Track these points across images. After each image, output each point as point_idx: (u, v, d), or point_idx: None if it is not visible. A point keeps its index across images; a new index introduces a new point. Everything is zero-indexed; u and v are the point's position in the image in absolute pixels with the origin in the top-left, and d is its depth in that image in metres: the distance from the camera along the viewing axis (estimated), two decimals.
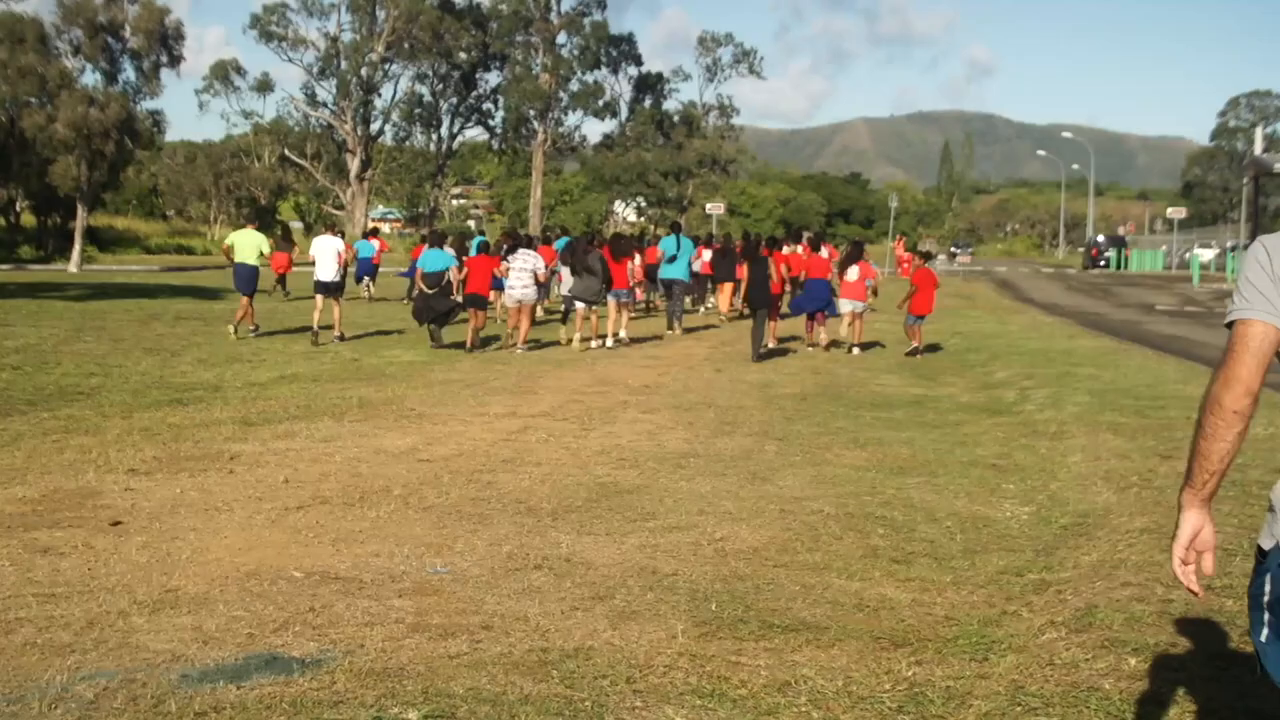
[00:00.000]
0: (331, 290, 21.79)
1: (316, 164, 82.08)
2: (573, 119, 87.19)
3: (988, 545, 7.83)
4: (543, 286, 22.48)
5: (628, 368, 18.31)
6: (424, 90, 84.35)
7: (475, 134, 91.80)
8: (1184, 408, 13.57)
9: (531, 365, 18.35)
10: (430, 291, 21.12)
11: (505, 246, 23.26)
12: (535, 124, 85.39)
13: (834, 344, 22.59)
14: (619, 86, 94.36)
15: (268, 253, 22.71)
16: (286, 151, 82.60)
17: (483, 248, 22.70)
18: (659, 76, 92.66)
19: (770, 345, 21.26)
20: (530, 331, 21.66)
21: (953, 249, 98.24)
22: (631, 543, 7.69)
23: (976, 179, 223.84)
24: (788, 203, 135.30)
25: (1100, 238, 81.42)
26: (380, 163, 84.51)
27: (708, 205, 68.27)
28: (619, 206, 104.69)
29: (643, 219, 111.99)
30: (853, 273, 22.12)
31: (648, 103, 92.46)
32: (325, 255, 21.97)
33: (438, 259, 21.48)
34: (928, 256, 23.40)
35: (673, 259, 26.88)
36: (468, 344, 20.68)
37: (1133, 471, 9.91)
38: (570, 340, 21.69)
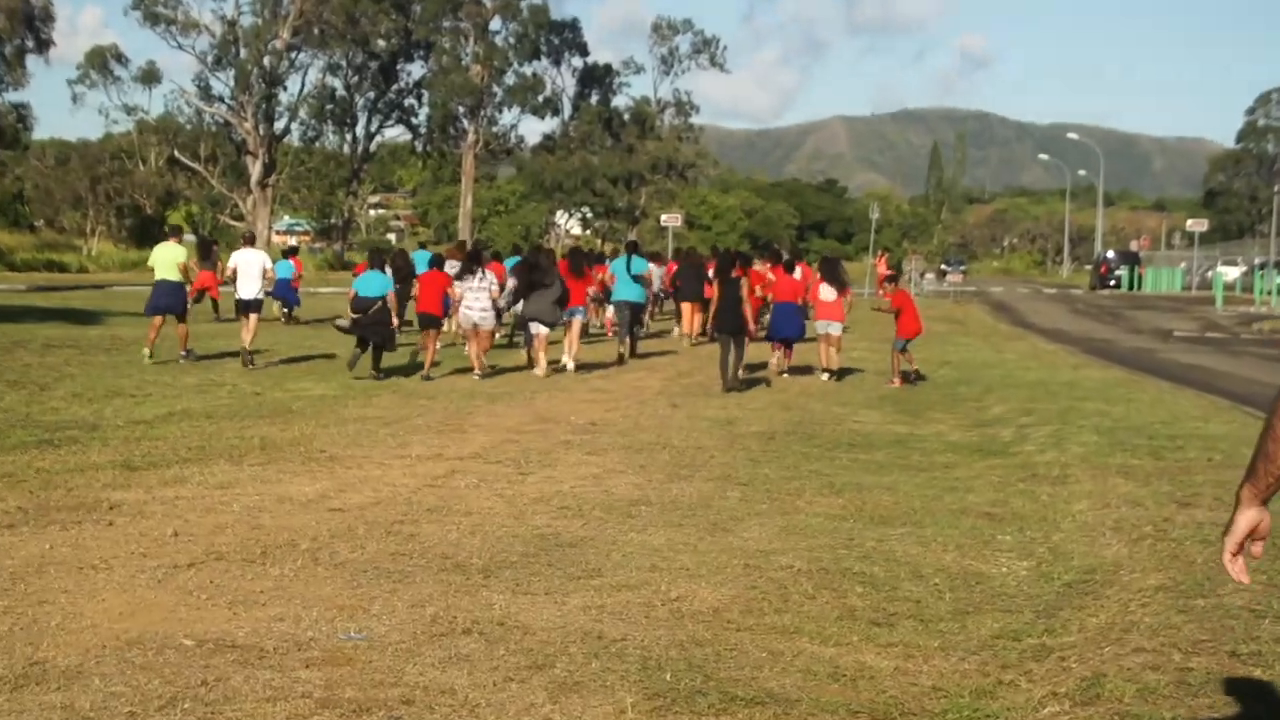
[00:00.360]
0: (253, 307, 23.03)
1: (211, 168, 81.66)
2: (508, 117, 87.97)
3: (981, 605, 7.88)
4: (499, 310, 23.23)
5: (570, 402, 18.32)
6: (336, 83, 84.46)
7: (396, 134, 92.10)
8: (1205, 448, 13.73)
9: (460, 400, 18.32)
10: (359, 318, 21.36)
11: (461, 265, 23.60)
12: (465, 123, 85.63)
13: (805, 370, 23.47)
14: (561, 80, 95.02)
15: (184, 261, 23.21)
16: (176, 153, 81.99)
17: (435, 262, 23.51)
18: (607, 69, 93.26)
19: (740, 376, 21.44)
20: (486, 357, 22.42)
21: (942, 266, 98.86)
22: (574, 603, 7.69)
23: (969, 186, 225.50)
24: (754, 213, 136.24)
25: (1110, 254, 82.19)
26: (286, 167, 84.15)
27: (663, 216, 68.57)
28: (561, 218, 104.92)
29: (589, 232, 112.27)
30: (828, 292, 22.73)
31: (594, 98, 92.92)
32: (249, 270, 23.16)
33: (374, 283, 21.69)
34: (893, 278, 23.58)
35: (638, 278, 27.16)
36: (424, 371, 21.51)
37: (1146, 521, 10.01)
38: (540, 368, 22.22)
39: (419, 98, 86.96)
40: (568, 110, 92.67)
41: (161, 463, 12.44)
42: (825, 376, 22.33)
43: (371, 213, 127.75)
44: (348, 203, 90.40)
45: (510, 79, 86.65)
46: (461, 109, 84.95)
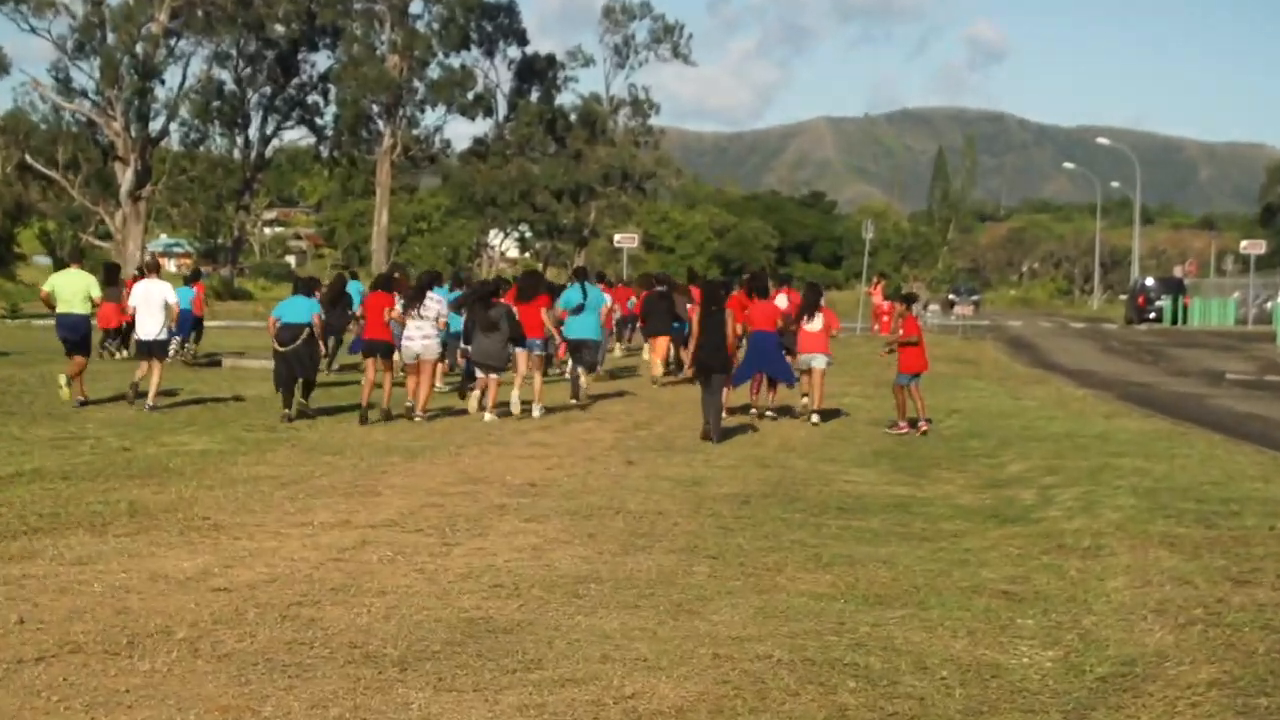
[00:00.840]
0: (155, 350, 23.68)
1: (72, 176, 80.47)
2: (431, 117, 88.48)
3: (998, 704, 7.87)
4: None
5: (505, 459, 18.28)
6: (225, 76, 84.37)
7: (297, 137, 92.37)
8: (1266, 514, 13.78)
9: (373, 455, 18.26)
10: (284, 349, 22.32)
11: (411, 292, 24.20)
12: (380, 124, 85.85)
13: (785, 410, 24.44)
14: (495, 73, 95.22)
15: (97, 297, 24.46)
16: (28, 158, 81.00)
17: (382, 282, 24.19)
18: (550, 61, 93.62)
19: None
20: (431, 396, 23.49)
21: (950, 296, 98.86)
22: (509, 701, 7.64)
23: (981, 200, 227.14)
24: (726, 232, 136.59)
25: (1149, 281, 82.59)
26: (164, 175, 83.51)
27: (616, 236, 68.75)
28: (495, 238, 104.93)
29: (528, 254, 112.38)
30: (815, 321, 23.56)
31: (534, 96, 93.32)
32: (150, 305, 23.61)
33: (300, 308, 22.58)
34: (910, 300, 23.85)
35: (579, 308, 27.03)
36: (382, 407, 22.67)
37: (1196, 602, 10.03)
38: (478, 409, 23.49)
39: (324, 94, 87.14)
40: (502, 109, 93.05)
41: (6, 534, 12.33)
42: (815, 419, 23.20)
43: (267, 231, 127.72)
44: (238, 219, 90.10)
45: (434, 72, 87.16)
46: (375, 108, 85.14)
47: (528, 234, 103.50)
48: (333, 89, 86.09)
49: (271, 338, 22.88)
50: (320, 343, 23.16)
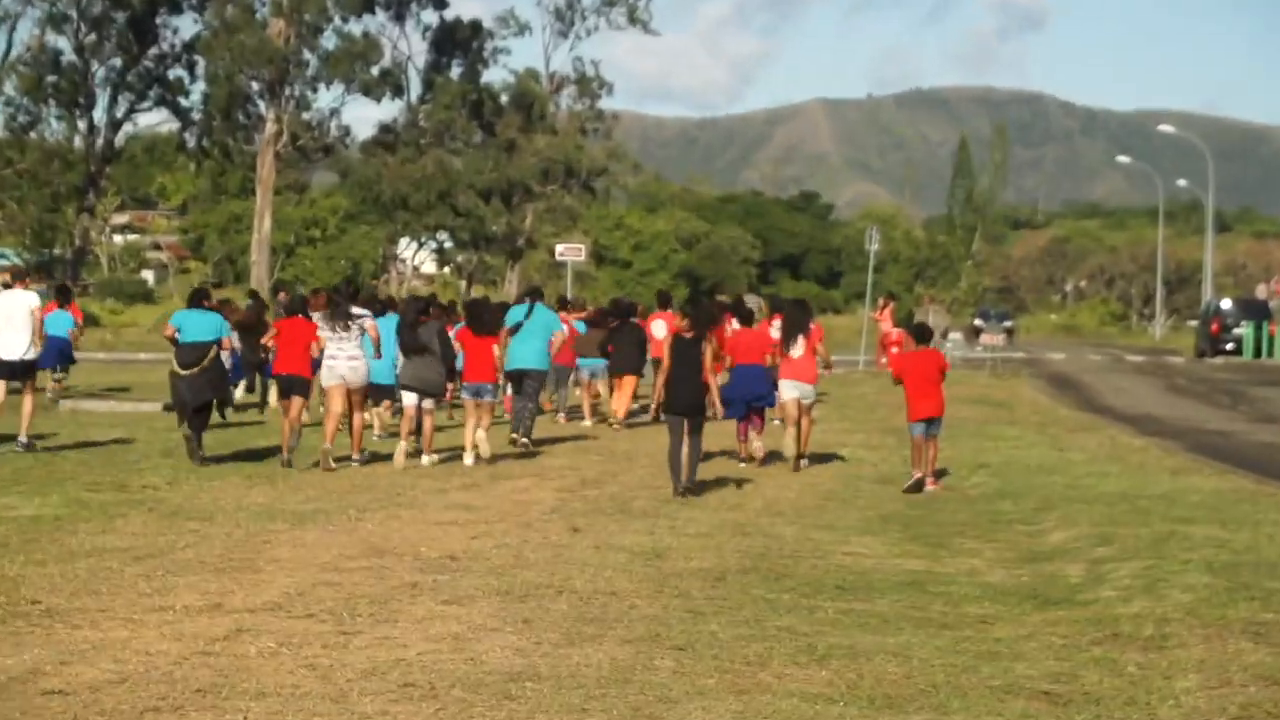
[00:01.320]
0: (20, 373, 24.69)
1: None
2: (327, 98, 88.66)
3: None
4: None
5: (420, 525, 18.23)
6: (63, 44, 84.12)
7: (156, 121, 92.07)
8: None
9: (253, 522, 18.18)
10: (186, 373, 23.07)
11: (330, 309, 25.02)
12: (261, 106, 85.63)
13: (773, 455, 25.20)
14: (407, 43, 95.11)
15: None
16: None
17: (299, 305, 25.12)
18: (475, 28, 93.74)
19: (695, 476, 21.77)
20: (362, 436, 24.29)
21: (976, 322, 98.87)
22: None
23: (1014, 203, 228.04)
24: (695, 243, 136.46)
25: (1225, 303, 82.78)
26: None
27: (558, 247, 68.33)
28: (406, 248, 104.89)
29: (447, 270, 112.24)
30: (797, 346, 24.28)
31: (456, 71, 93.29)
32: (12, 320, 24.35)
33: (204, 323, 23.45)
34: (921, 334, 24.10)
35: (516, 328, 27.53)
36: (283, 454, 23.54)
37: None
38: (406, 456, 24.16)
39: (190, 68, 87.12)
40: (416, 89, 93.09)
41: None
42: (804, 463, 24.32)
43: (117, 239, 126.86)
44: (80, 224, 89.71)
45: (329, 41, 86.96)
46: (255, 85, 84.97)
47: (447, 244, 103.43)
48: (201, 61, 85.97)
49: (175, 360, 23.59)
50: (236, 373, 24.21)
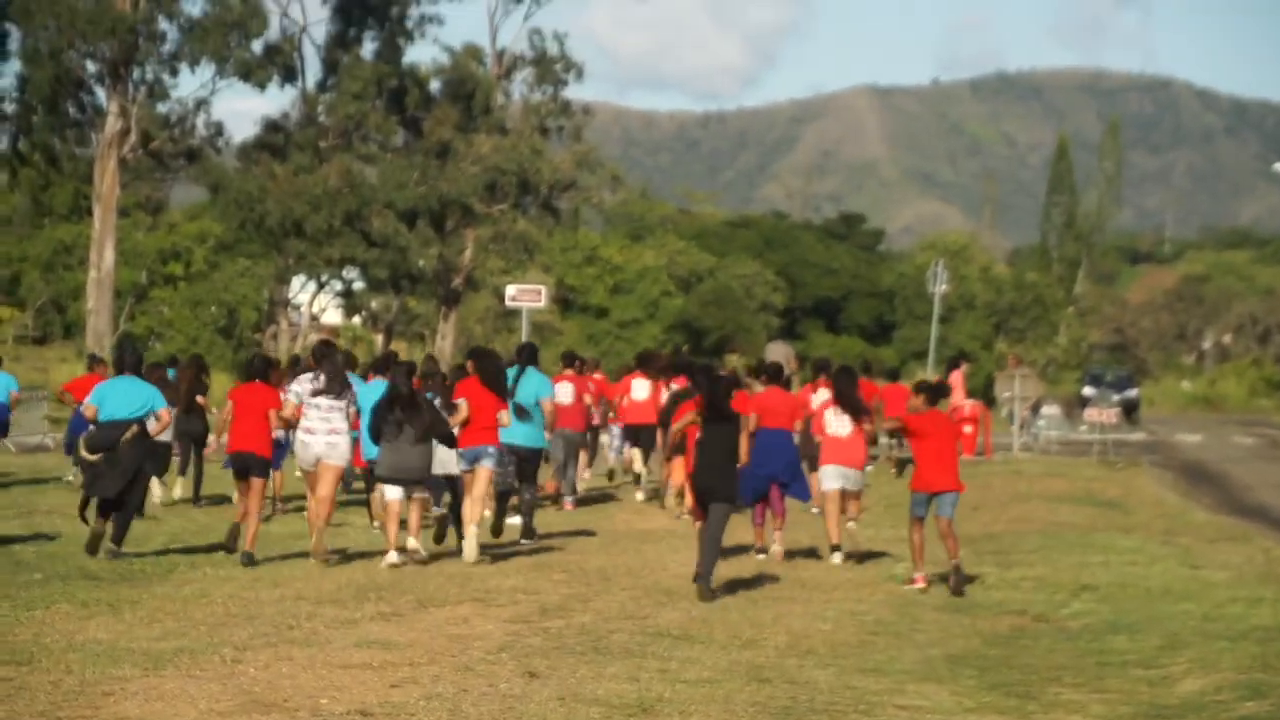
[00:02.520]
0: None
1: None
2: (191, 84, 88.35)
3: None
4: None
5: (320, 669, 18.22)
6: None
7: None
8: None
9: (92, 665, 18.15)
10: (93, 458, 25.21)
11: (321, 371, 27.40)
12: (100, 94, 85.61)
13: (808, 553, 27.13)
14: (302, 10, 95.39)
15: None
16: None
17: (259, 370, 27.59)
18: None
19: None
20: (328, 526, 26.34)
21: (1085, 391, 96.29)
22: None
23: (1132, 228, 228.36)
24: (697, 282, 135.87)
25: None
26: None
27: (509, 289, 68.04)
28: (300, 289, 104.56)
29: (358, 319, 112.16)
30: (841, 424, 25.96)
31: (369, 49, 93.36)
32: None
33: (130, 395, 25.75)
34: (937, 393, 25.16)
35: (512, 392, 29.84)
36: (237, 544, 26.10)
37: None
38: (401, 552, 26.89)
39: (1, 40, 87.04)
40: (314, 72, 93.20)
41: None
42: (837, 559, 25.82)
43: None
44: None
45: (193, 6, 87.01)
46: (92, 66, 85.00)
47: (357, 284, 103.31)
48: (14, 33, 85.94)
49: (81, 446, 25.82)
50: (169, 451, 27.35)
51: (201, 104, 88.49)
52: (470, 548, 26.93)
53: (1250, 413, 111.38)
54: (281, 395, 27.36)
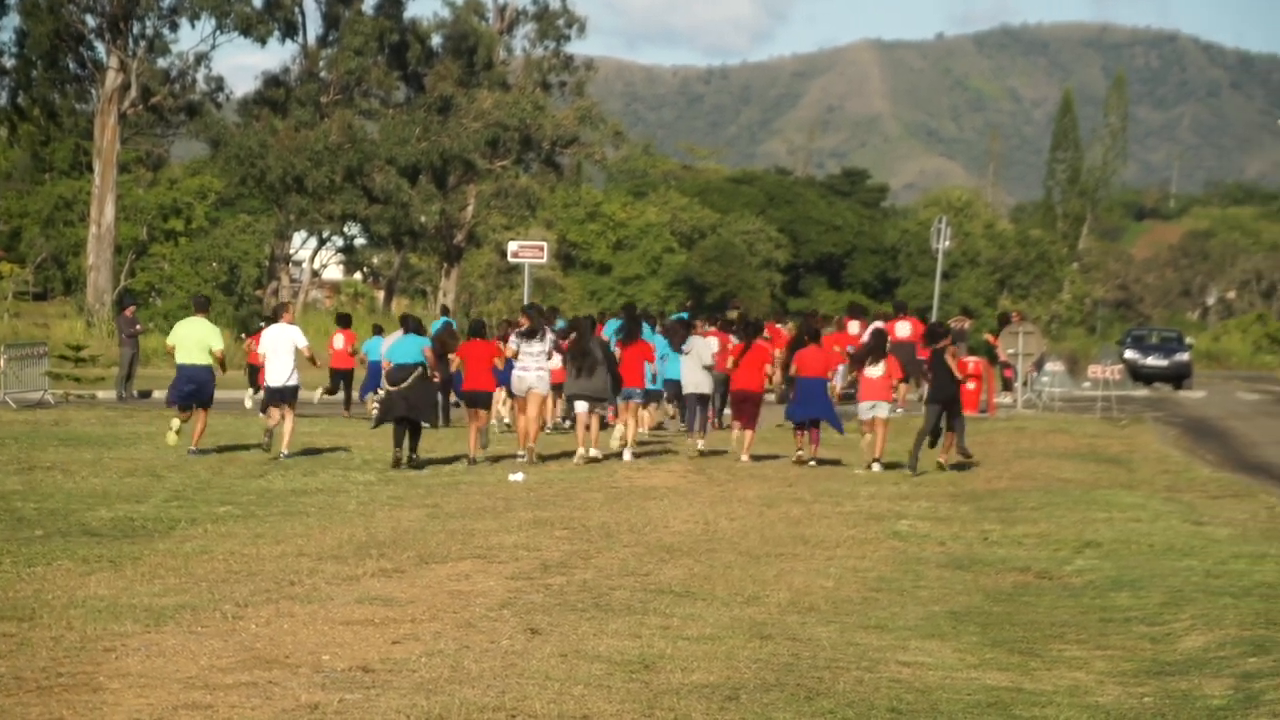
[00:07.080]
0: (287, 396, 35.89)
1: None
2: (191, 38, 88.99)
3: None
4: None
5: (320, 624, 18.15)
6: None
7: None
8: None
9: (92, 621, 18.09)
10: (394, 387, 34.82)
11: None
12: (100, 48, 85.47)
13: (822, 461, 33.05)
14: None
15: (218, 349, 36.44)
16: None
17: (479, 329, 38.10)
18: None
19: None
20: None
21: (1128, 355, 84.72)
22: None
23: (1136, 186, 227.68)
24: (699, 238, 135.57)
25: None
26: None
27: (511, 245, 67.80)
28: (301, 245, 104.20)
29: (359, 275, 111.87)
30: (878, 366, 31.88)
31: (370, 3, 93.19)
32: (279, 350, 36.21)
33: (411, 346, 35.51)
34: (935, 333, 30.00)
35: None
36: (476, 456, 34.71)
37: None
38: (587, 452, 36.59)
39: None
40: (315, 27, 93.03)
41: None
42: (875, 468, 31.54)
43: None
44: None
45: None
46: (91, 19, 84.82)
47: (358, 240, 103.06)
48: None
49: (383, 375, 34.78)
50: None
51: (202, 59, 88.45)
52: (629, 454, 37.44)
53: (1254, 368, 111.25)
54: (500, 345, 37.80)
